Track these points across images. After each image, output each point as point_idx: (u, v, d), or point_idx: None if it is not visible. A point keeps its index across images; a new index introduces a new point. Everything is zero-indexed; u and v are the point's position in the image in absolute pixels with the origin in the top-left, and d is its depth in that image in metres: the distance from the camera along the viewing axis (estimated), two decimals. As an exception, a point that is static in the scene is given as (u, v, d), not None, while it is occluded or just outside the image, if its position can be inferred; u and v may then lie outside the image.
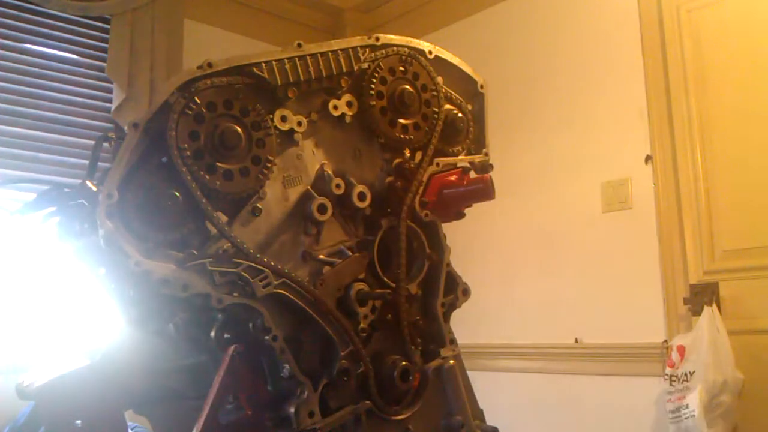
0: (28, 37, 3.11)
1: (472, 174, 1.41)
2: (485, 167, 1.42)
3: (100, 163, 1.32)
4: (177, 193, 1.10)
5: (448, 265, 1.41)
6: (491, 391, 1.55)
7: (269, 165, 1.19)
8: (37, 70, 3.10)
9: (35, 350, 2.86)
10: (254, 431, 1.17)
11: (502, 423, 1.41)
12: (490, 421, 1.40)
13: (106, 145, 1.29)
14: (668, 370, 2.51)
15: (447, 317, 1.40)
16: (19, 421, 2.41)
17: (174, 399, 1.27)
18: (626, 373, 2.85)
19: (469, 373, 1.41)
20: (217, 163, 1.14)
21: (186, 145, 1.10)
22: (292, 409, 1.15)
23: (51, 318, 2.93)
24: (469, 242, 3.24)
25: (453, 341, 1.39)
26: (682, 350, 2.50)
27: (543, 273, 3.20)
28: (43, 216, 1.24)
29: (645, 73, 2.90)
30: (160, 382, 1.24)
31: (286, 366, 1.16)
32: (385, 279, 1.31)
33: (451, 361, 1.37)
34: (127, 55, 3.20)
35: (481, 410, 1.41)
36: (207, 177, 1.12)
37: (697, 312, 2.56)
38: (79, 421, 1.16)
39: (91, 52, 3.27)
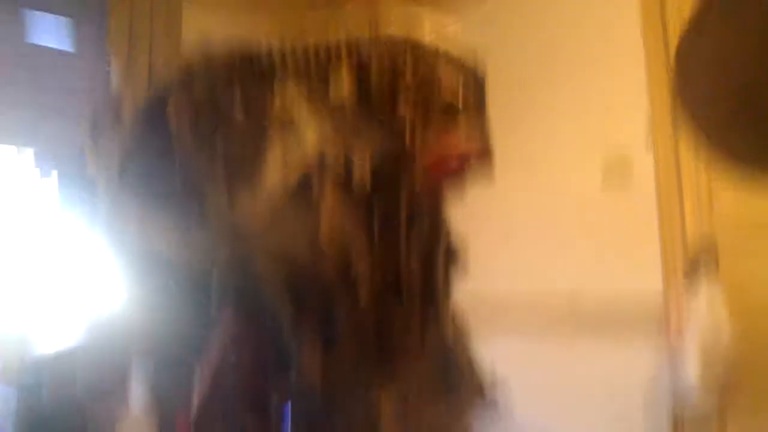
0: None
1: (472, 152, 1.41)
2: (486, 146, 1.43)
3: (100, 140, 1.32)
4: (177, 168, 1.12)
5: (449, 239, 1.42)
6: (491, 351, 1.57)
7: (268, 143, 1.20)
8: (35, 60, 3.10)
9: (39, 315, 2.88)
10: (256, 391, 1.19)
11: (500, 383, 1.43)
12: (488, 380, 1.43)
13: (105, 123, 1.29)
14: (666, 340, 2.54)
15: (448, 287, 1.42)
16: (25, 390, 2.44)
17: (175, 359, 1.28)
18: (623, 336, 2.87)
19: (469, 333, 1.43)
20: (217, 141, 1.15)
21: (185, 125, 1.11)
22: (294, 370, 1.17)
23: (54, 282, 2.95)
24: (468, 213, 3.24)
25: (453, 309, 1.41)
26: (680, 320, 2.53)
27: (543, 244, 3.23)
28: (44, 179, 1.26)
29: (645, 46, 2.89)
30: (161, 343, 1.25)
31: (287, 326, 1.18)
32: (387, 249, 1.32)
33: (452, 324, 1.40)
34: (126, 37, 3.20)
35: (481, 369, 1.43)
36: (207, 154, 1.14)
37: (696, 283, 2.58)
38: (80, 389, 1.18)
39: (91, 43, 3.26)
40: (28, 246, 2.88)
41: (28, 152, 1.11)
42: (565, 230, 3.15)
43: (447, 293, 1.41)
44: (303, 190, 1.25)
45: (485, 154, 1.41)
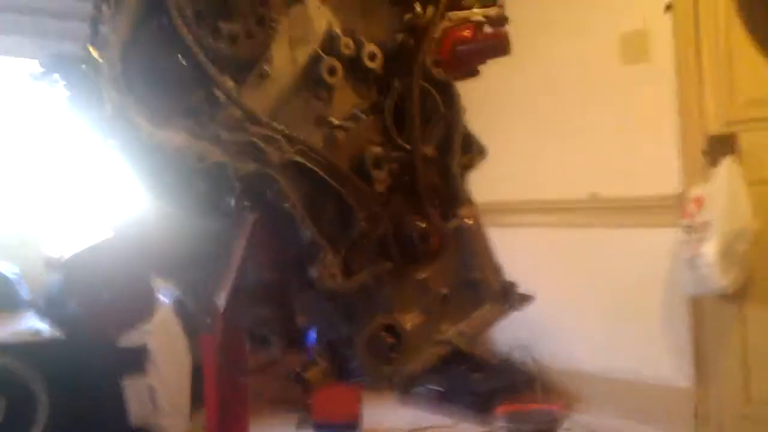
0: None
1: (487, 28, 1.35)
2: (500, 20, 1.35)
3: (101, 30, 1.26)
4: (181, 58, 1.07)
5: (464, 124, 1.38)
6: (509, 246, 1.56)
7: (274, 25, 1.14)
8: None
9: (61, 222, 2.92)
10: (279, 294, 1.19)
11: (520, 277, 1.43)
12: (508, 276, 1.43)
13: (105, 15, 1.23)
14: (685, 221, 2.53)
15: (464, 177, 1.39)
16: (52, 292, 2.49)
17: (199, 264, 1.29)
18: (642, 225, 2.88)
19: (487, 229, 1.42)
20: (220, 25, 1.09)
21: (186, 6, 1.05)
22: (315, 273, 1.16)
23: (74, 189, 2.97)
24: (485, 100, 3.18)
25: (470, 200, 1.39)
26: (699, 201, 2.50)
27: (561, 127, 3.17)
28: (50, 85, 1.21)
29: None
30: (185, 248, 1.25)
31: (307, 232, 1.16)
32: (400, 141, 1.29)
33: (470, 220, 1.38)
34: None
35: (500, 265, 1.43)
36: (210, 40, 1.08)
37: (715, 163, 2.54)
38: (106, 291, 1.19)
39: None
40: (41, 153, 2.88)
41: (34, 63, 1.08)
42: (584, 111, 3.09)
43: (464, 180, 1.38)
44: (312, 72, 1.20)
45: (500, 22, 1.34)
